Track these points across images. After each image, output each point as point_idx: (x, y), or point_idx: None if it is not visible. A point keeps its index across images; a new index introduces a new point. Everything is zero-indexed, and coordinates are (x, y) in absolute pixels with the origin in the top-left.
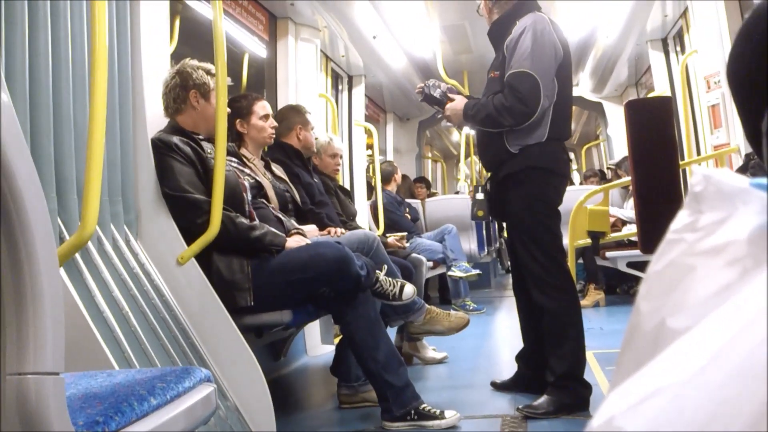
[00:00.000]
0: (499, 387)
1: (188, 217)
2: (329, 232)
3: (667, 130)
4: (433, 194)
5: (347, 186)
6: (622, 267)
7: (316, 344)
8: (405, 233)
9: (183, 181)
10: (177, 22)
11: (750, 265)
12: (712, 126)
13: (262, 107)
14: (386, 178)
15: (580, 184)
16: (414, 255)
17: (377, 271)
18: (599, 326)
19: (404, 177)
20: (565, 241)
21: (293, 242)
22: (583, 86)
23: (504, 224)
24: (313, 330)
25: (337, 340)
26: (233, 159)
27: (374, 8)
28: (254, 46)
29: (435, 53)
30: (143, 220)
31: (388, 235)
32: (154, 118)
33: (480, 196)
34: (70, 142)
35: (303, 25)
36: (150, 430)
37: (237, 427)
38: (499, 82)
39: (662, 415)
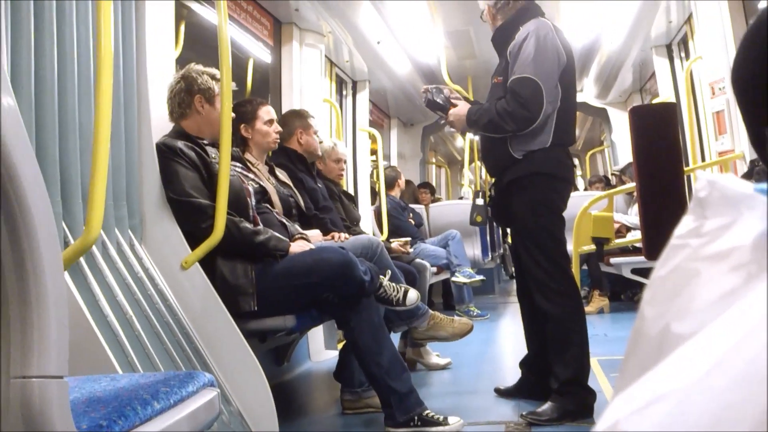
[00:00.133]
0: (502, 393)
1: (192, 222)
2: (333, 237)
3: (671, 136)
4: (437, 200)
5: (351, 191)
6: (627, 273)
7: (320, 349)
8: (409, 239)
9: (187, 186)
10: (182, 27)
11: (754, 270)
12: (716, 132)
13: (267, 112)
14: (390, 184)
15: (585, 190)
16: (418, 260)
17: (381, 277)
18: (603, 333)
19: (408, 182)
20: (570, 247)
21: (297, 247)
22: (587, 92)
23: (508, 230)
24: (316, 335)
25: (340, 346)
26: (237, 164)
27: (379, 13)
28: (259, 52)
29: (439, 58)
30: (147, 225)
31: (391, 240)
32: (159, 123)
33: (480, 201)
34: (75, 145)
35: (308, 30)
36: None
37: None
38: (503, 88)
39: (666, 420)
